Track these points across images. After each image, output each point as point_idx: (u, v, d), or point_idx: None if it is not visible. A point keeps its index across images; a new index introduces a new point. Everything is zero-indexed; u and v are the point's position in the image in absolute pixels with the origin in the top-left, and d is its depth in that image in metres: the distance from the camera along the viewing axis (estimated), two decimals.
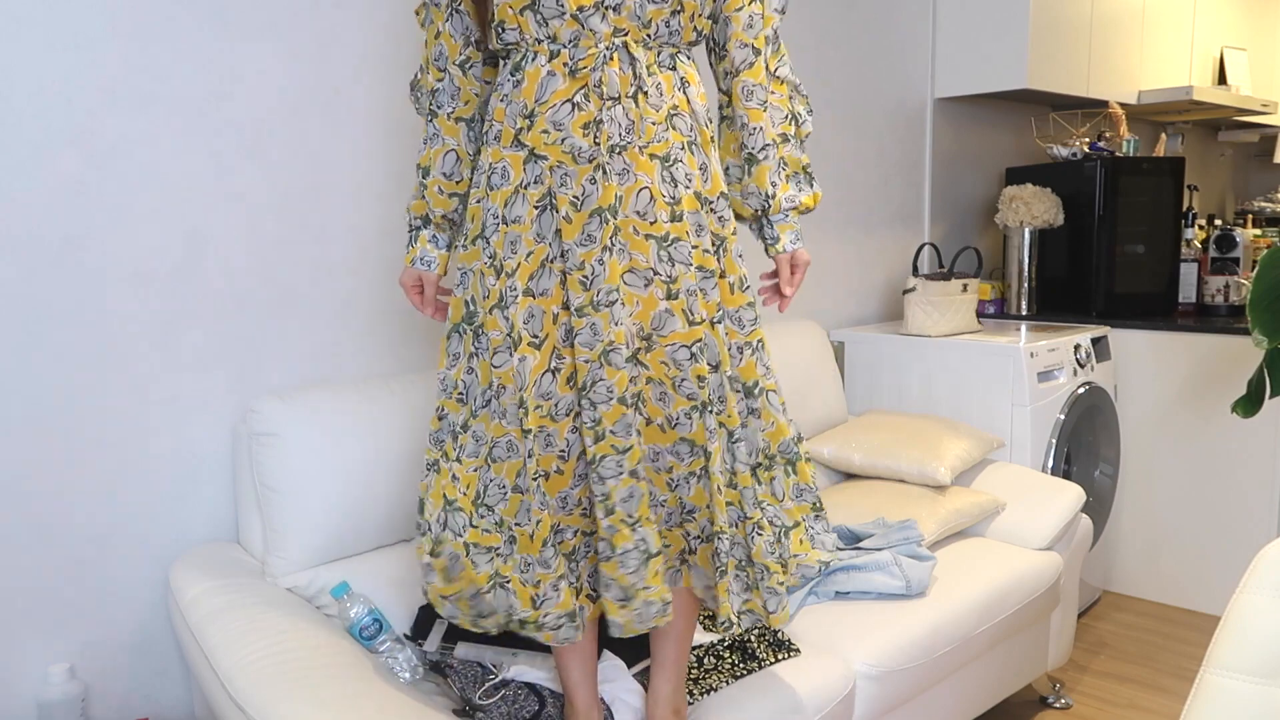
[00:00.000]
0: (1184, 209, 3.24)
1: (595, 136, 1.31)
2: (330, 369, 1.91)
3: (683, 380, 1.35)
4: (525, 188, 1.35)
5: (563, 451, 1.36)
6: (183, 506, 1.74)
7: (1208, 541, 2.93)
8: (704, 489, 1.37)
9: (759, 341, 1.43)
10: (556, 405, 1.35)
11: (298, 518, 1.66)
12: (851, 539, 2.12)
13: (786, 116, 1.48)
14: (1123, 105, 3.57)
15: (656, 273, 1.34)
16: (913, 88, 3.20)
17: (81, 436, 1.62)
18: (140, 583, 1.70)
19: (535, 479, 1.34)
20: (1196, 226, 3.49)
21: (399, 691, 1.41)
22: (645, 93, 1.33)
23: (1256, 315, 2.13)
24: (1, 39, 1.50)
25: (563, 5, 1.30)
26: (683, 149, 1.36)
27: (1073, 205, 3.17)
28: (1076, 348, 2.78)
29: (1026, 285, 3.23)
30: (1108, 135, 3.35)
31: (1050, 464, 2.64)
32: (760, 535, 1.40)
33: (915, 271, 3.03)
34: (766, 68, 1.46)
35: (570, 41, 1.31)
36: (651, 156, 1.33)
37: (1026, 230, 3.20)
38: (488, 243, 1.37)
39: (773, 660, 1.66)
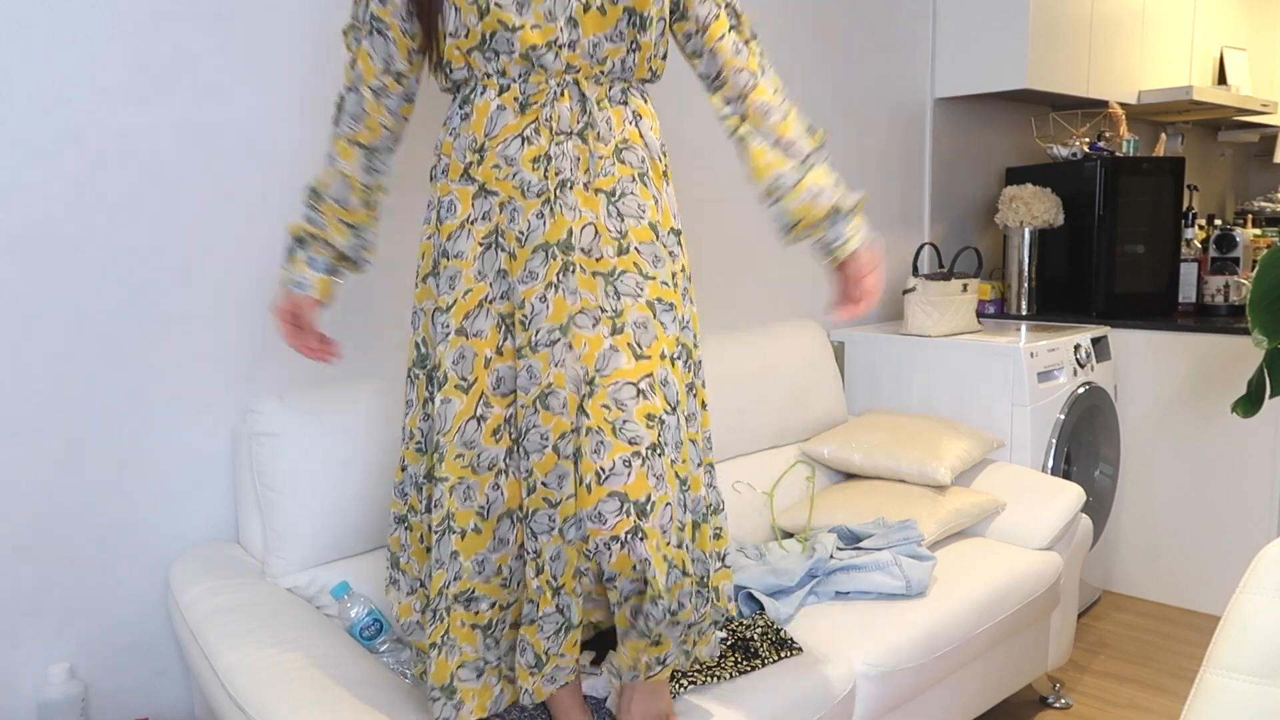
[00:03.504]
0: (1184, 209, 3.24)
1: (545, 170, 1.28)
2: (330, 369, 1.91)
3: (625, 423, 1.23)
4: (472, 223, 1.31)
5: (481, 508, 1.28)
6: (183, 506, 1.74)
7: (1208, 541, 2.93)
8: (627, 555, 1.20)
9: (689, 385, 1.37)
10: (479, 457, 1.27)
11: (298, 518, 1.66)
12: (851, 539, 2.12)
13: (810, 129, 1.46)
14: (1123, 105, 3.57)
15: (603, 309, 1.28)
16: (913, 88, 3.20)
17: (81, 436, 1.62)
18: (140, 583, 1.70)
19: (446, 533, 1.26)
20: (1196, 226, 3.49)
21: (399, 692, 1.41)
22: (595, 128, 1.30)
23: (1256, 315, 2.13)
24: (2, 39, 1.50)
25: (513, 44, 1.27)
26: (633, 181, 1.32)
27: (1073, 205, 3.17)
28: (1076, 348, 2.78)
29: (1026, 285, 3.23)
30: (1108, 135, 3.35)
31: (1050, 464, 2.64)
32: (699, 593, 1.31)
33: (915, 271, 3.03)
34: (771, 86, 1.45)
35: (520, 76, 1.29)
36: (597, 191, 1.30)
37: (1026, 230, 3.20)
38: (439, 280, 1.33)
39: (774, 659, 1.66)
